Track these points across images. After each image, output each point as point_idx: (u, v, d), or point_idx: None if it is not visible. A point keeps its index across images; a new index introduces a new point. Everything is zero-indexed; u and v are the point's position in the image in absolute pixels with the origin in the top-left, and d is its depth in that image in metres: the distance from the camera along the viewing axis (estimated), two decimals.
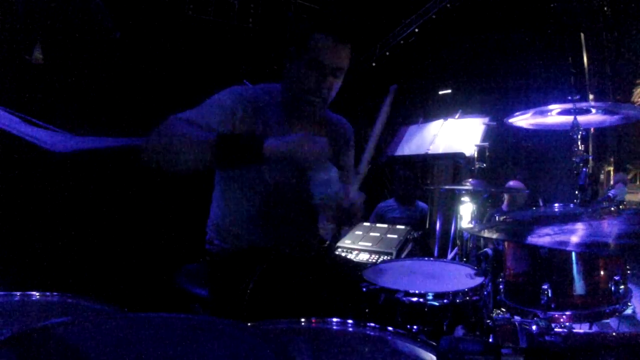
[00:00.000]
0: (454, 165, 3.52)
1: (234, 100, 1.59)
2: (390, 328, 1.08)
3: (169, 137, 1.40)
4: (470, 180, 2.78)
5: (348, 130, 1.94)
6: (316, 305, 1.42)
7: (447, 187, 3.03)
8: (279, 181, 1.67)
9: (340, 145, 1.87)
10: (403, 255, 2.84)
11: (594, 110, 1.84)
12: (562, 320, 1.45)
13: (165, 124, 1.42)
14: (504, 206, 4.23)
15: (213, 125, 1.50)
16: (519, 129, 2.17)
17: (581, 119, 1.79)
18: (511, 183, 4.27)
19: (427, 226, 3.55)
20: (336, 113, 1.91)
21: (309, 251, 1.80)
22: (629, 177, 5.30)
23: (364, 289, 1.49)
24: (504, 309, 1.61)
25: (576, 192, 1.71)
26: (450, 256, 2.95)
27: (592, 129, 5.02)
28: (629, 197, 4.79)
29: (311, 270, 1.68)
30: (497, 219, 1.68)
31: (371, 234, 3.09)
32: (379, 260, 2.73)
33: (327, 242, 1.94)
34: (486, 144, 2.91)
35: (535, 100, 4.90)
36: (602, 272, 1.48)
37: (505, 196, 4.12)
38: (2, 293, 1.15)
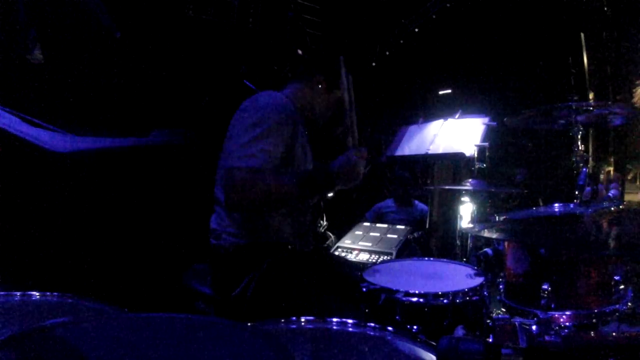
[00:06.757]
0: (454, 165, 3.51)
1: (289, 127, 1.72)
2: (390, 328, 1.08)
3: (256, 196, 1.60)
4: (470, 180, 2.78)
5: None
6: (316, 305, 1.42)
7: (446, 187, 3.02)
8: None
9: None
10: (403, 255, 2.84)
11: (594, 110, 1.84)
12: (562, 320, 1.45)
13: (246, 183, 1.58)
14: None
15: (278, 158, 1.66)
16: (519, 129, 2.16)
17: (581, 119, 1.79)
18: None
19: (427, 226, 3.54)
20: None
21: (308, 245, 1.82)
22: (629, 177, 5.28)
23: (364, 289, 1.50)
24: (504, 309, 1.61)
25: (576, 192, 1.71)
26: (450, 257, 2.94)
27: (592, 129, 5.01)
28: (629, 197, 4.78)
29: (311, 270, 1.68)
30: (497, 218, 1.68)
31: (371, 234, 3.09)
32: (379, 260, 2.73)
33: (327, 242, 1.95)
34: (486, 144, 2.90)
35: (535, 100, 4.89)
36: (602, 272, 1.48)
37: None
38: (2, 293, 1.15)
